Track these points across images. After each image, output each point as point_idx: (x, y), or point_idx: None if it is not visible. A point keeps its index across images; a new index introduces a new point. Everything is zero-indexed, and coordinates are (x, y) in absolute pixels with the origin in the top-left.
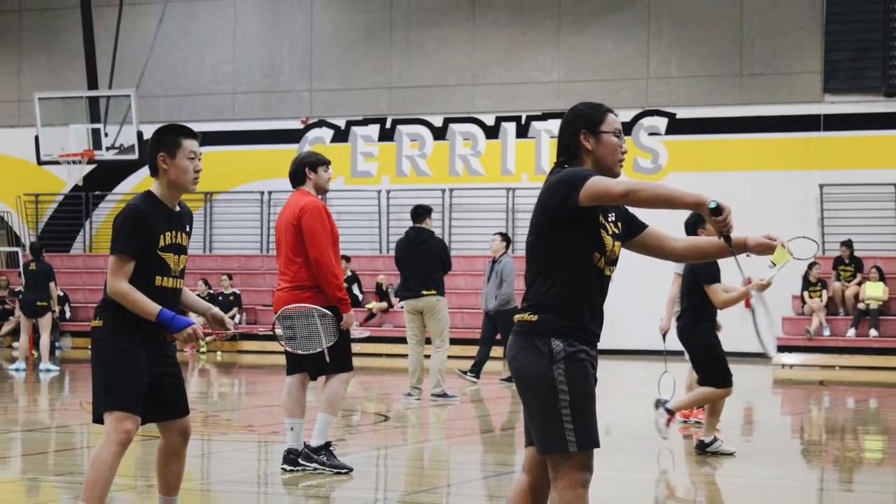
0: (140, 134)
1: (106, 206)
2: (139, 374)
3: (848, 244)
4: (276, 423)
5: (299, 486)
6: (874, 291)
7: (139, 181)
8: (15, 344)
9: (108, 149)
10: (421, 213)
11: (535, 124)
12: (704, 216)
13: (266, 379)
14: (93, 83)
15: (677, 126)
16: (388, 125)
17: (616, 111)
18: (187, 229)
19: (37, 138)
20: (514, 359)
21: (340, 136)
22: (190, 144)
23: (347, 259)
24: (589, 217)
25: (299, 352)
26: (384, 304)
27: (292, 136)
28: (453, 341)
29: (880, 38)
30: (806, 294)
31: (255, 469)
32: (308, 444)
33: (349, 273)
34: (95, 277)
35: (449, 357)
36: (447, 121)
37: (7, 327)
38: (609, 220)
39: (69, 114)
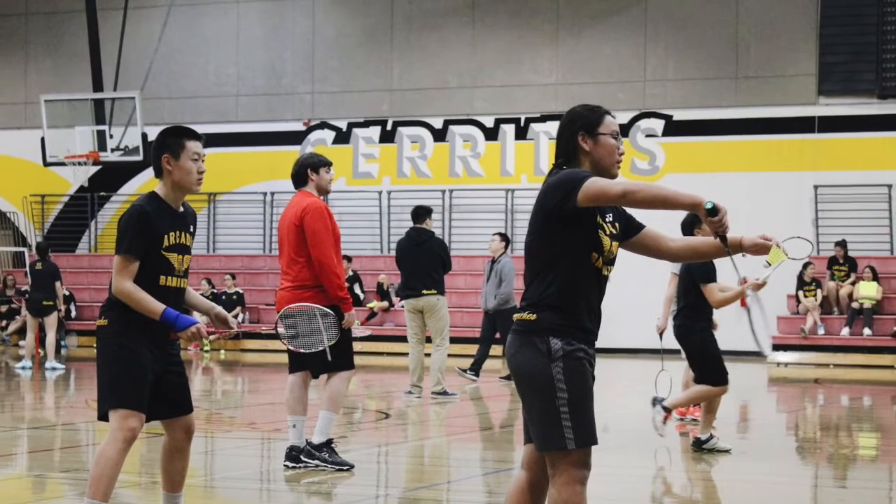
0: (145, 135)
1: (111, 207)
2: (144, 372)
3: (842, 244)
4: (278, 420)
5: (301, 482)
6: (868, 291)
7: (144, 182)
8: (21, 342)
9: (113, 150)
10: (421, 213)
11: (534, 126)
12: (701, 216)
13: (268, 377)
14: (98, 86)
15: (674, 128)
16: (388, 127)
17: (613, 113)
18: (191, 229)
19: (43, 140)
20: (513, 357)
21: (342, 137)
22: (194, 146)
23: (349, 259)
24: (587, 217)
25: (301, 350)
26: (385, 304)
27: (294, 138)
28: (453, 340)
29: (874, 41)
30: (801, 293)
31: (258, 466)
32: (310, 441)
33: (351, 273)
34: (101, 277)
35: (449, 355)
36: (447, 123)
37: (13, 326)
38: (607, 220)
39: (75, 116)
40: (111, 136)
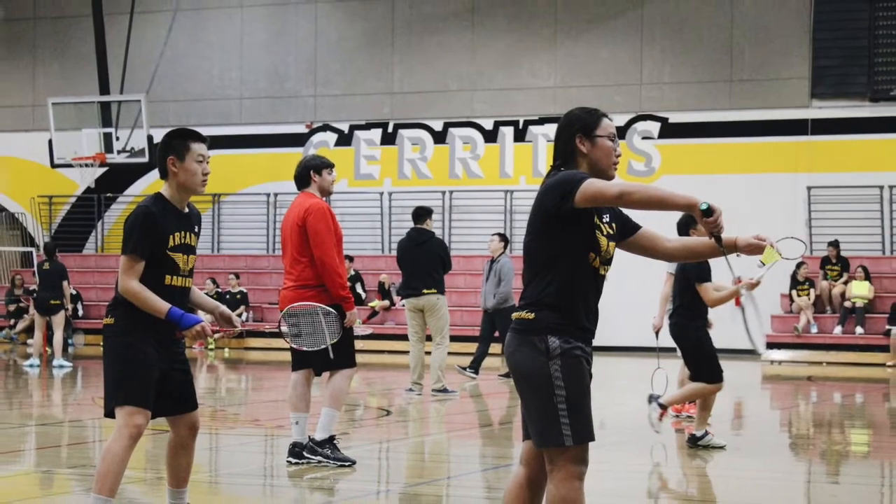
0: (150, 137)
1: (117, 208)
2: (149, 370)
3: (835, 244)
4: (281, 417)
5: (304, 478)
6: (860, 290)
7: (150, 183)
8: (30, 341)
9: (119, 152)
10: (422, 214)
11: (533, 128)
12: (696, 217)
13: (272, 375)
14: (104, 89)
15: (670, 130)
16: (390, 129)
17: (610, 116)
18: (196, 230)
19: (50, 142)
20: (512, 355)
21: (344, 139)
22: (198, 148)
23: (351, 259)
24: (584, 218)
25: (304, 349)
26: (386, 303)
27: (297, 140)
28: (453, 338)
29: (865, 45)
30: (794, 293)
31: (262, 462)
32: (313, 437)
33: (352, 272)
34: (107, 276)
35: (449, 353)
36: (447, 125)
37: (22, 325)
38: (604, 220)
39: (82, 118)
40: (117, 139)
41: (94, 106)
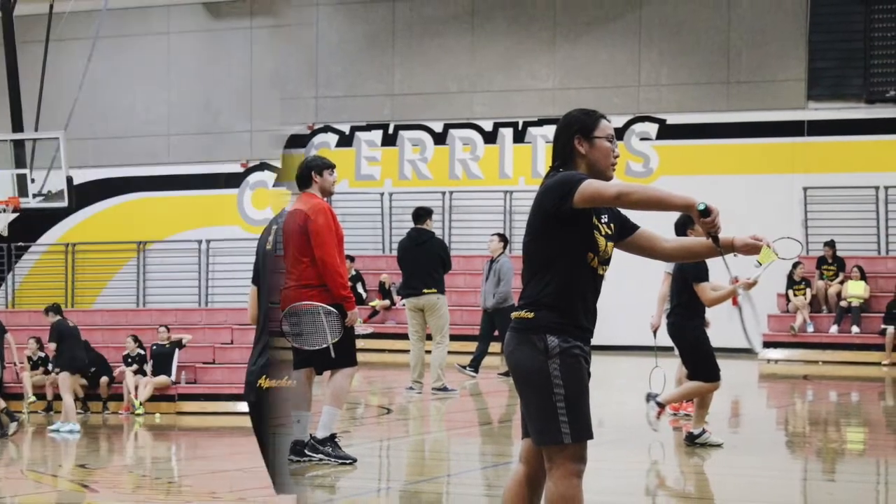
0: (70, 179)
1: (29, 258)
2: None
3: (831, 244)
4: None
5: (305, 476)
6: (856, 290)
7: (68, 229)
8: None
9: (34, 196)
10: (422, 214)
11: (532, 130)
12: (693, 217)
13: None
14: (17, 126)
15: (668, 131)
16: (390, 130)
17: (609, 117)
18: None
19: None
20: (511, 354)
21: (345, 140)
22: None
23: (352, 259)
24: (583, 218)
25: (305, 348)
26: (387, 302)
27: (299, 142)
28: (453, 337)
29: (861, 47)
30: (790, 292)
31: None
32: (314, 435)
33: (353, 272)
34: (19, 336)
35: (449, 352)
36: (447, 126)
37: None
38: (602, 221)
39: None
40: (33, 181)
41: (7, 145)
